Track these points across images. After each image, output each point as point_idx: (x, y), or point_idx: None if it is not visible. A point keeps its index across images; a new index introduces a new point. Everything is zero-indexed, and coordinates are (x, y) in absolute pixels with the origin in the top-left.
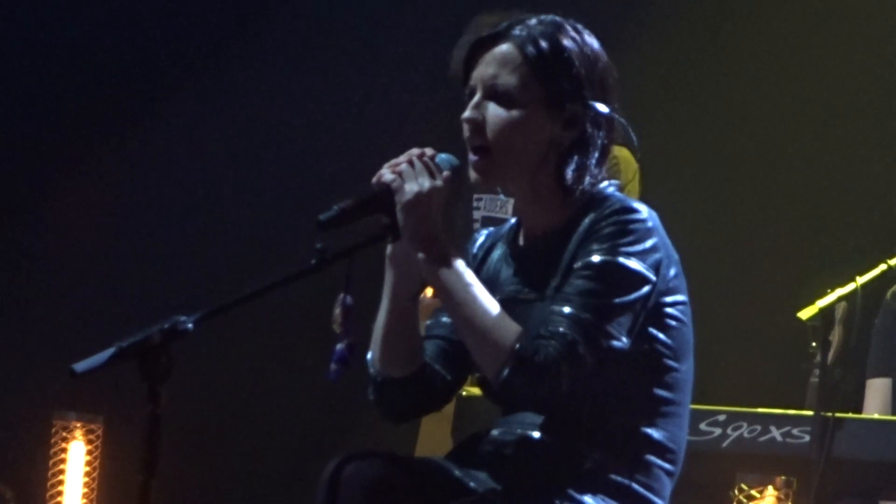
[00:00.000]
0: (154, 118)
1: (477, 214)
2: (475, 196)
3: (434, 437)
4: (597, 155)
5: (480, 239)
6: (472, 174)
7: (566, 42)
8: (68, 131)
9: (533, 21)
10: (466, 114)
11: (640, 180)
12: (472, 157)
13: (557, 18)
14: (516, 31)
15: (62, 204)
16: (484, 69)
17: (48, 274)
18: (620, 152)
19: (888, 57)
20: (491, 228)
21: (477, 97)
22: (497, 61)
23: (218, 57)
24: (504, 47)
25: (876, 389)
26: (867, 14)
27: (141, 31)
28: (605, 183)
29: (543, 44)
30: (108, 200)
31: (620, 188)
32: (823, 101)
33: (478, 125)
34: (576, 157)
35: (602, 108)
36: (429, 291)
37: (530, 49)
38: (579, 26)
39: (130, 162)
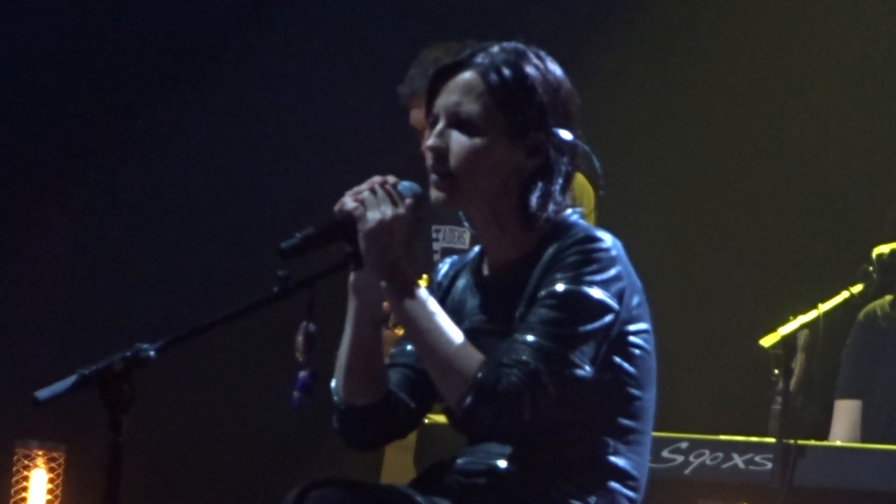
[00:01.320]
0: (116, 146)
1: (436, 246)
2: (434, 227)
3: (398, 466)
4: (561, 182)
5: (444, 268)
6: (434, 194)
7: (529, 69)
8: (29, 162)
9: (495, 48)
10: (430, 142)
11: (596, 208)
12: (434, 178)
13: (520, 46)
14: (479, 59)
15: (21, 233)
16: (447, 97)
17: (8, 302)
18: (576, 179)
19: (853, 87)
20: (455, 257)
21: (440, 125)
22: (460, 89)
23: (182, 79)
24: (466, 75)
25: (845, 411)
26: (826, 54)
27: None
28: (569, 210)
29: (506, 71)
30: (70, 230)
31: (583, 216)
32: (782, 130)
33: (441, 153)
34: (540, 185)
35: (565, 135)
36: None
37: (493, 77)
38: (542, 53)
39: (95, 190)
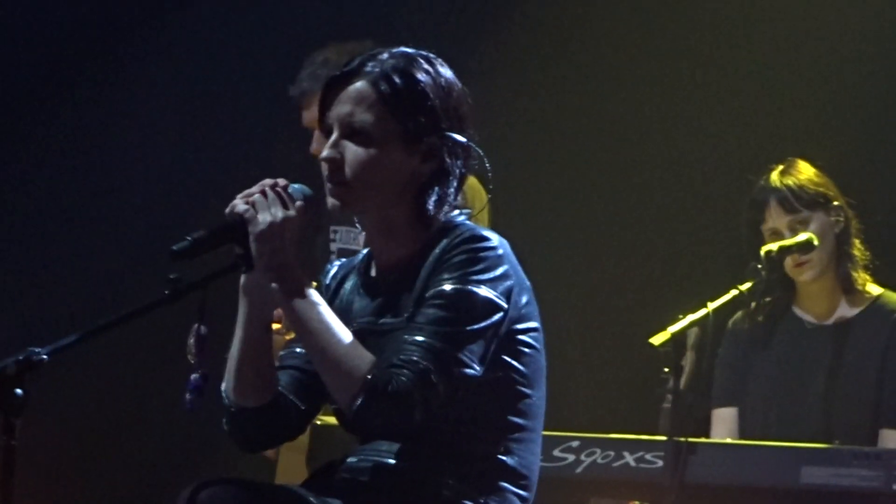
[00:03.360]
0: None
1: (333, 247)
2: (332, 228)
3: (292, 468)
4: (455, 184)
5: (333, 270)
6: (330, 201)
7: (419, 75)
8: None
9: (385, 55)
10: (325, 153)
11: (489, 209)
12: (329, 186)
13: (409, 50)
14: (368, 68)
15: None
16: (339, 108)
17: None
18: (468, 181)
19: (736, 92)
20: (343, 260)
21: (335, 136)
22: (352, 99)
23: (69, 87)
24: (358, 85)
25: (722, 419)
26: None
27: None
28: (456, 212)
29: (397, 79)
30: None
31: (472, 216)
32: (671, 128)
33: (337, 164)
34: (436, 189)
35: (459, 137)
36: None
37: (384, 86)
38: (431, 56)
39: None
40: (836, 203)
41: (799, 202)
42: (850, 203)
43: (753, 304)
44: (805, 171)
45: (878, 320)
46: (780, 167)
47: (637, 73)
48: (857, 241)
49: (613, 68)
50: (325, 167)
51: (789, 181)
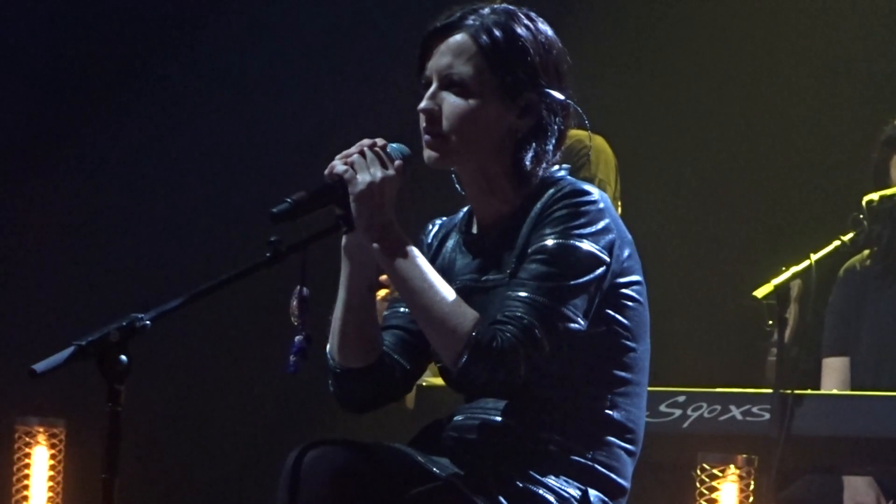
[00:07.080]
0: (106, 114)
1: None
2: None
3: None
4: (553, 141)
5: (434, 229)
6: (427, 153)
7: (520, 30)
8: (22, 133)
9: (486, 10)
10: (423, 104)
11: (617, 171)
12: (427, 137)
13: (510, 7)
14: (470, 21)
15: (16, 207)
16: (438, 59)
17: (4, 277)
18: (595, 141)
19: (840, 50)
20: (443, 218)
21: (433, 87)
22: (451, 51)
23: (166, 50)
24: (458, 37)
25: (833, 369)
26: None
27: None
28: (556, 167)
29: (497, 33)
30: (63, 203)
31: (572, 172)
32: (776, 79)
33: (434, 116)
34: (533, 145)
35: (557, 94)
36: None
37: (484, 38)
38: (532, 14)
39: (85, 163)
40: None
41: None
42: None
43: (867, 252)
44: None
45: None
46: None
47: (739, 24)
48: None
49: (716, 21)
50: (422, 119)
51: None
